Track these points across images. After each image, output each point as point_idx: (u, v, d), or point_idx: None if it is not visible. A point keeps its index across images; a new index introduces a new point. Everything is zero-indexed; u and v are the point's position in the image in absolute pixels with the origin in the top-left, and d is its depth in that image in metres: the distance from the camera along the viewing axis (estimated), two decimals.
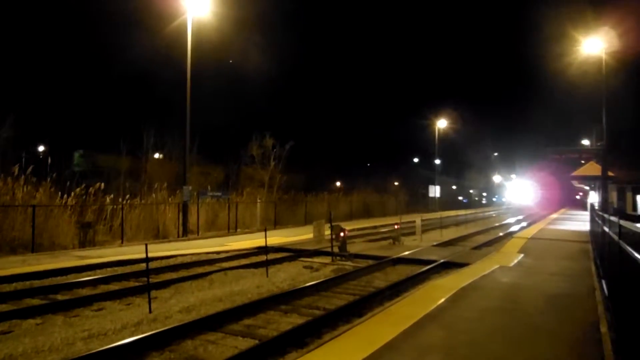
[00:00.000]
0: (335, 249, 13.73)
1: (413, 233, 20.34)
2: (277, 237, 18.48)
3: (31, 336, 6.47)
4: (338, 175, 56.01)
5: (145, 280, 8.59)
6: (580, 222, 28.92)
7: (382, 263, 12.70)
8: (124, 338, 6.15)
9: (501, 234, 23.09)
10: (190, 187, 20.18)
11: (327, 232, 14.60)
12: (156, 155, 34.70)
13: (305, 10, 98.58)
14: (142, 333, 6.29)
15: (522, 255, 12.95)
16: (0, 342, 6.24)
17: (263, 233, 11.96)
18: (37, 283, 9.89)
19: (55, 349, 5.96)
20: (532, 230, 22.52)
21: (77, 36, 70.18)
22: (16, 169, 15.58)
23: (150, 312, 7.60)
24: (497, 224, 30.19)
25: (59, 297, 8.94)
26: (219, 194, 23.40)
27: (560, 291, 8.34)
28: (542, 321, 6.40)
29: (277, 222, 26.79)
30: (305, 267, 12.69)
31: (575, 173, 31.54)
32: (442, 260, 12.60)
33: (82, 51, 67.14)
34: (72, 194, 16.94)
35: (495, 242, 18.96)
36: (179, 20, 19.72)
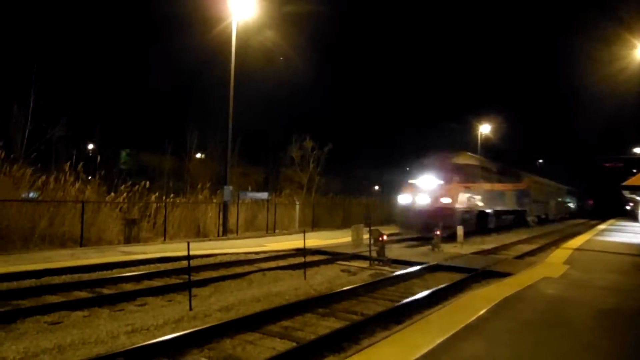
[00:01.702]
0: (374, 254, 13.62)
1: (453, 240, 19.92)
2: (314, 240, 18.52)
3: (79, 328, 6.74)
4: (376, 178, 55.58)
5: (185, 278, 8.79)
6: (630, 234, 27.57)
7: (421, 269, 12.50)
8: (165, 334, 6.30)
9: (544, 243, 22.27)
10: (231, 187, 20.53)
11: (365, 236, 14.50)
12: (198, 155, 35.60)
13: (348, 14, 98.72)
14: (183, 330, 6.44)
15: (568, 266, 12.45)
16: (50, 332, 6.53)
17: (301, 235, 12.01)
18: (85, 276, 10.30)
19: (100, 342, 6.17)
20: (579, 241, 21.62)
21: (125, 40, 72.92)
22: (66, 166, 16.31)
23: (190, 309, 7.76)
24: (538, 233, 29.17)
25: (105, 290, 9.28)
26: (259, 194, 23.70)
27: (609, 306, 7.96)
28: (590, 337, 6.12)
29: (314, 225, 26.87)
30: (342, 270, 12.66)
31: (626, 182, 30.11)
32: (483, 269, 12.28)
33: (131, 54, 69.69)
34: (122, 192, 17.57)
35: (539, 252, 18.32)
36: (224, 24, 20.16)
